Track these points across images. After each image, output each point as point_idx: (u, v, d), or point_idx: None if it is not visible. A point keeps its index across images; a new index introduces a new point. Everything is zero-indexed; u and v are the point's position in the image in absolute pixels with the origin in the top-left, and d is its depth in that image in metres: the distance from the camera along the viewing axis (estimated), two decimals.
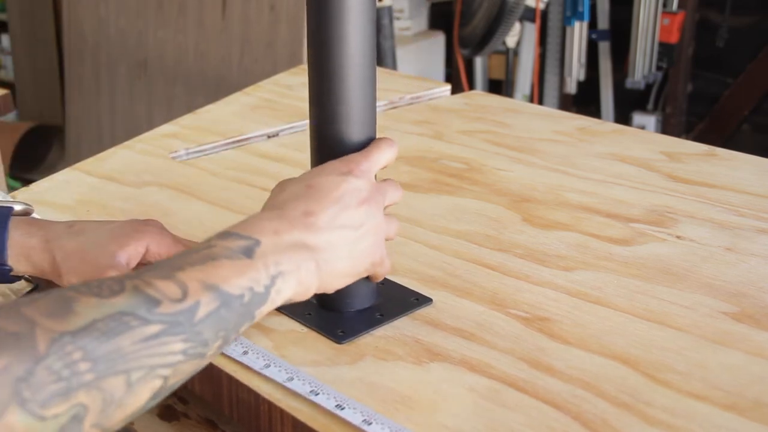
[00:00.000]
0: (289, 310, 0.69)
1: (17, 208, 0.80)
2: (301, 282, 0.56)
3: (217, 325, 0.50)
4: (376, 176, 0.64)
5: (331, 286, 0.60)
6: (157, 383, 0.48)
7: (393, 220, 0.64)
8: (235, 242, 0.54)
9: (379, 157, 0.62)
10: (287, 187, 0.61)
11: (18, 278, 0.69)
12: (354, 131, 0.64)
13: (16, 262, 0.66)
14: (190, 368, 0.50)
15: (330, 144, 0.64)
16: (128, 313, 0.47)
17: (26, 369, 0.42)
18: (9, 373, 0.42)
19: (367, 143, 0.65)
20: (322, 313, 0.69)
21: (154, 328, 0.47)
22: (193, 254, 0.53)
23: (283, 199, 0.59)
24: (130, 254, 0.66)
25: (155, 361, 0.47)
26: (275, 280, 0.54)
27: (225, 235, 0.55)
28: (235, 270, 0.52)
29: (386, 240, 0.64)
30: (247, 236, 0.55)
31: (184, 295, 0.49)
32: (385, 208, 0.63)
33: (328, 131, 0.64)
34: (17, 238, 0.66)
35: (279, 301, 0.55)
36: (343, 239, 0.58)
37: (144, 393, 0.47)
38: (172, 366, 0.48)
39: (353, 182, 0.59)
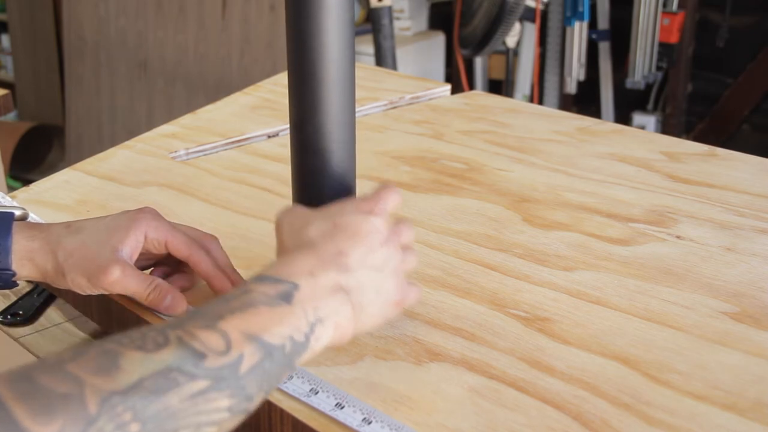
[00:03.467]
0: None
1: (16, 213, 0.80)
2: (339, 326, 0.55)
3: (261, 378, 0.49)
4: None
5: (363, 330, 0.58)
6: None
7: (410, 253, 0.62)
8: (274, 287, 0.53)
9: (389, 201, 0.61)
10: (313, 222, 0.59)
11: (17, 284, 0.69)
12: (333, 127, 0.65)
13: (20, 266, 0.67)
14: (232, 424, 0.48)
15: (309, 140, 0.65)
16: (175, 368, 0.46)
17: None
18: None
19: (346, 138, 0.65)
20: None
21: (201, 384, 0.46)
22: (232, 300, 0.51)
23: (312, 235, 0.57)
24: (130, 247, 0.66)
25: (202, 418, 0.46)
26: (314, 328, 0.53)
27: (262, 278, 0.54)
28: (275, 318, 0.51)
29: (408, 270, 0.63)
30: (285, 280, 0.53)
31: (228, 347, 0.48)
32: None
33: (306, 127, 0.65)
34: (20, 241, 0.66)
35: (318, 348, 0.54)
36: (371, 280, 0.57)
37: None
38: (218, 423, 0.47)
39: (375, 222, 0.58)
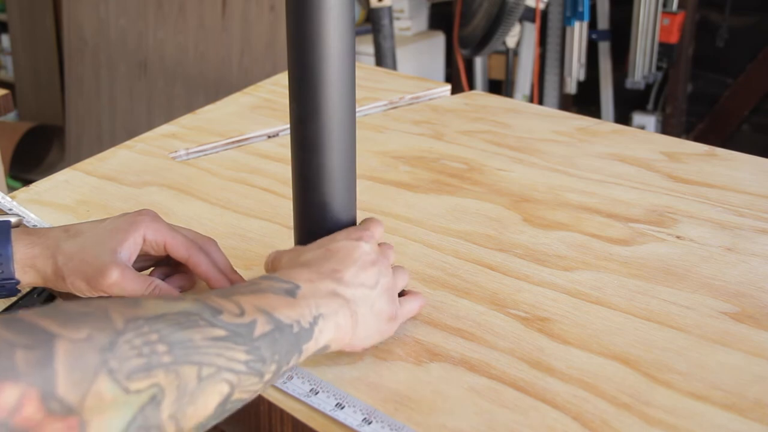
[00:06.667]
0: None
1: (12, 221, 0.81)
2: (339, 326, 0.58)
3: (273, 346, 0.52)
4: None
5: (361, 342, 0.61)
6: (225, 389, 0.48)
7: (401, 272, 0.67)
8: (278, 284, 0.56)
9: (375, 230, 0.67)
10: (308, 251, 0.63)
11: (20, 291, 0.69)
12: (334, 126, 0.65)
13: (22, 273, 0.66)
14: (249, 384, 0.50)
15: (310, 139, 0.65)
16: (195, 313, 0.49)
17: (109, 340, 0.43)
18: (93, 342, 0.43)
19: (346, 138, 0.66)
20: None
21: (219, 332, 0.49)
22: (242, 287, 0.55)
23: (305, 259, 0.62)
24: (129, 249, 0.66)
25: (223, 362, 0.48)
26: (317, 320, 0.56)
27: (266, 278, 0.58)
28: (283, 302, 0.54)
29: (399, 289, 0.66)
30: (287, 281, 0.57)
31: (242, 312, 0.51)
32: (400, 294, 0.67)
33: (307, 126, 0.65)
34: (21, 249, 0.66)
35: (321, 341, 0.56)
36: (365, 296, 0.60)
37: (213, 396, 0.48)
38: (237, 374, 0.49)
39: (364, 246, 0.63)
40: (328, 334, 0.57)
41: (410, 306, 0.67)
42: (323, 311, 0.56)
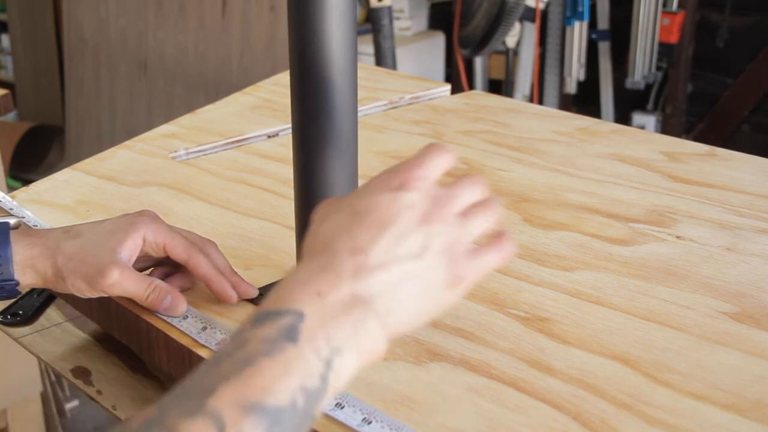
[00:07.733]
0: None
1: (11, 222, 0.81)
2: (363, 352, 0.46)
3: None
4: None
5: (405, 328, 0.48)
6: None
7: (481, 213, 0.51)
8: (274, 325, 0.44)
9: (434, 164, 0.51)
10: (330, 216, 0.49)
11: (20, 292, 0.69)
12: (335, 126, 0.65)
13: (22, 274, 0.66)
14: None
15: (311, 139, 0.65)
16: None
17: None
18: None
19: (348, 137, 0.65)
20: None
21: None
22: (225, 360, 0.43)
23: (325, 234, 0.48)
24: (129, 249, 0.66)
25: None
26: (331, 363, 0.44)
27: (261, 317, 0.45)
28: (278, 371, 0.42)
29: (475, 236, 0.51)
30: (286, 310, 0.44)
31: (222, 427, 0.39)
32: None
33: (309, 126, 0.65)
34: (21, 250, 0.66)
35: (340, 385, 0.45)
36: (404, 274, 0.47)
37: None
38: None
39: (406, 198, 0.48)
40: (348, 371, 0.45)
41: (486, 260, 0.50)
42: (337, 343, 0.44)
